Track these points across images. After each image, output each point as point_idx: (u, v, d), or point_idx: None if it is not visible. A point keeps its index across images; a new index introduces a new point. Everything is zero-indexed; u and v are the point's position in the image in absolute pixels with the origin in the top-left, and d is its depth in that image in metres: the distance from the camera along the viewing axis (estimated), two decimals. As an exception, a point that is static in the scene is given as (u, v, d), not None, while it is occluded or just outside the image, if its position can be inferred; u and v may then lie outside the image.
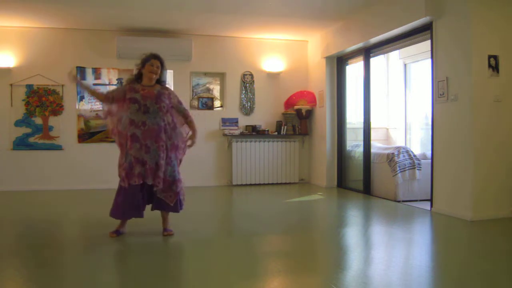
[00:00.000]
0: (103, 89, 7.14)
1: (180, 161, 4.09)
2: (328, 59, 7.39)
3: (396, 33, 5.73)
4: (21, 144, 6.91)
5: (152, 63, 3.96)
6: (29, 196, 6.44)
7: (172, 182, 3.90)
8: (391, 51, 6.88)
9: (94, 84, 7.14)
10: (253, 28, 7.16)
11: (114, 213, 3.95)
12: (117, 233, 3.94)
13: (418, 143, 7.82)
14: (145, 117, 3.83)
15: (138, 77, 3.99)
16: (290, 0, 5.80)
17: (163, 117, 3.89)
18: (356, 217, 5.24)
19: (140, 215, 3.94)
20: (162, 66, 4.06)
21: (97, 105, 7.15)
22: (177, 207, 3.97)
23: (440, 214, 4.93)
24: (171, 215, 4.09)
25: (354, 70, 7.48)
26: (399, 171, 5.95)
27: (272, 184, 7.71)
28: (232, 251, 3.66)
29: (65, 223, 4.86)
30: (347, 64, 7.32)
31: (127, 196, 3.87)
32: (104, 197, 6.45)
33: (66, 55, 7.05)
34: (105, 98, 3.97)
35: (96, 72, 7.16)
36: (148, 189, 3.93)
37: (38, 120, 6.96)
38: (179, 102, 4.07)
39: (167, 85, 4.16)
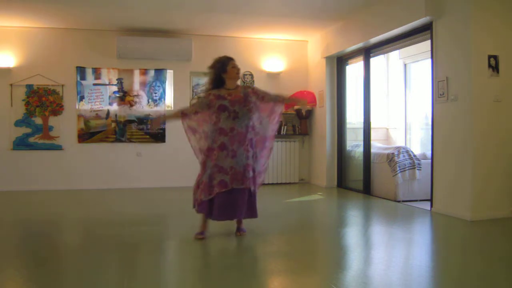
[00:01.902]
0: (104, 90, 7.17)
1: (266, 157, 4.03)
2: (328, 59, 7.39)
3: (396, 33, 5.73)
4: (21, 144, 6.91)
5: (234, 65, 3.87)
6: (29, 196, 6.44)
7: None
8: (391, 51, 6.88)
9: (94, 84, 7.15)
10: (253, 28, 7.16)
11: (199, 208, 3.90)
12: (202, 234, 3.87)
13: (418, 143, 7.82)
14: (234, 123, 3.77)
15: (217, 83, 3.88)
16: (290, 0, 5.80)
17: (251, 117, 3.84)
18: (356, 217, 5.24)
19: (229, 218, 3.89)
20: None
21: (97, 105, 7.16)
22: (253, 212, 3.95)
23: (440, 214, 4.93)
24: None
25: (354, 70, 7.48)
26: (399, 171, 5.95)
27: (272, 184, 7.71)
28: (232, 251, 3.66)
29: (65, 223, 4.86)
30: (347, 64, 7.32)
31: (219, 199, 3.77)
32: (104, 197, 6.47)
33: (66, 55, 7.05)
34: (181, 115, 3.93)
35: (96, 72, 7.16)
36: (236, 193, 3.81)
37: (38, 120, 6.96)
38: (264, 92, 3.96)
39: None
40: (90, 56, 7.14)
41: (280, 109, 4.03)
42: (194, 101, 4.07)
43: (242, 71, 7.71)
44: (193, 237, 3.83)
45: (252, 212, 3.92)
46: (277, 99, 3.98)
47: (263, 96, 3.91)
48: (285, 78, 7.88)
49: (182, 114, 3.92)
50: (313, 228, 4.71)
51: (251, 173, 3.81)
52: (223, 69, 3.83)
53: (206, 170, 3.81)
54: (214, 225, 4.51)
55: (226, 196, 3.75)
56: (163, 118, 4.12)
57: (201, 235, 3.84)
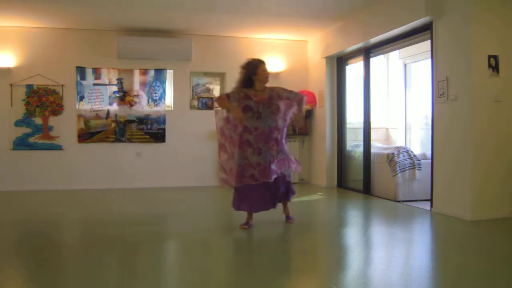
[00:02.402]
0: (104, 90, 7.17)
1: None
2: (328, 59, 7.38)
3: (396, 33, 5.73)
4: (21, 144, 6.91)
5: (264, 69, 4.16)
6: (29, 196, 6.44)
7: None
8: (391, 51, 6.87)
9: (94, 84, 7.15)
10: (253, 28, 7.16)
11: (233, 205, 4.25)
12: (247, 225, 4.17)
13: (418, 143, 7.82)
14: (258, 122, 4.09)
15: (247, 83, 4.17)
16: (290, 0, 5.80)
17: (274, 118, 4.14)
18: (356, 217, 5.24)
19: (262, 209, 4.21)
20: None
21: (97, 105, 7.16)
22: (288, 195, 4.37)
23: (440, 214, 4.93)
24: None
25: (354, 70, 7.47)
26: (399, 171, 5.95)
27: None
28: (232, 251, 3.66)
29: (65, 223, 4.86)
30: (347, 64, 7.31)
31: (242, 192, 4.12)
32: (104, 197, 6.47)
33: (66, 55, 7.05)
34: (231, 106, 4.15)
35: (96, 72, 7.16)
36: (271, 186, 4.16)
37: (38, 120, 6.96)
38: (289, 92, 4.25)
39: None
40: (90, 56, 7.14)
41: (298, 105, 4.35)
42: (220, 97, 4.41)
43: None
44: (239, 227, 4.17)
45: (287, 196, 4.36)
46: (295, 99, 4.29)
47: (287, 97, 4.22)
48: (285, 78, 7.87)
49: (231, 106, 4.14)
50: (313, 228, 4.70)
51: (277, 167, 4.13)
52: (253, 71, 4.12)
53: (234, 158, 4.12)
54: (214, 225, 4.51)
55: (259, 189, 4.08)
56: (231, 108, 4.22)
57: (246, 226, 4.17)
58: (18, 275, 2.96)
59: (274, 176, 4.09)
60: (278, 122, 4.18)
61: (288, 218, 4.47)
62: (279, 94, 4.19)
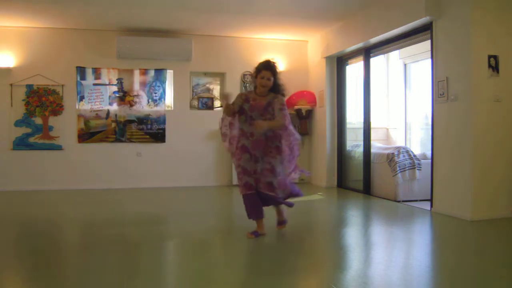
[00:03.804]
0: (104, 90, 7.17)
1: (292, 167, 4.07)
2: (328, 59, 7.39)
3: (396, 33, 5.73)
4: (21, 144, 6.91)
5: (263, 75, 3.84)
6: (29, 196, 6.44)
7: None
8: (391, 51, 6.87)
9: (94, 84, 7.15)
10: (253, 28, 7.16)
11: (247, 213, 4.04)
12: (255, 234, 3.92)
13: (418, 143, 7.82)
14: (251, 128, 3.84)
15: (255, 86, 3.97)
16: (290, 0, 5.80)
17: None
18: (356, 217, 5.24)
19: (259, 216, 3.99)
20: (274, 75, 3.89)
21: (97, 105, 7.16)
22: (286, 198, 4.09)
23: (440, 214, 4.93)
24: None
25: (354, 70, 7.48)
26: (399, 171, 5.95)
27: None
28: (232, 251, 3.66)
29: (65, 223, 4.85)
30: (347, 64, 7.32)
31: (246, 200, 3.93)
32: (104, 197, 6.47)
33: (66, 55, 7.05)
34: (231, 113, 3.92)
35: (96, 72, 7.16)
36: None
37: (38, 120, 6.96)
38: (280, 108, 3.84)
39: (281, 91, 3.97)
40: (90, 56, 7.14)
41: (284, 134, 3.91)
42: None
43: (242, 71, 7.78)
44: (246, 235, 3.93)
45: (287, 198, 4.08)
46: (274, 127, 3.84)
47: (275, 110, 3.84)
48: (285, 78, 7.74)
49: (232, 112, 3.91)
50: (313, 228, 4.71)
51: (275, 180, 3.86)
52: (255, 75, 3.91)
53: (237, 166, 3.94)
54: (214, 225, 4.51)
55: (254, 196, 3.88)
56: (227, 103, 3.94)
57: (252, 235, 3.91)
58: (18, 275, 2.96)
59: (275, 191, 3.86)
60: (273, 134, 3.86)
61: (280, 223, 4.21)
62: (276, 103, 3.85)
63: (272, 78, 3.86)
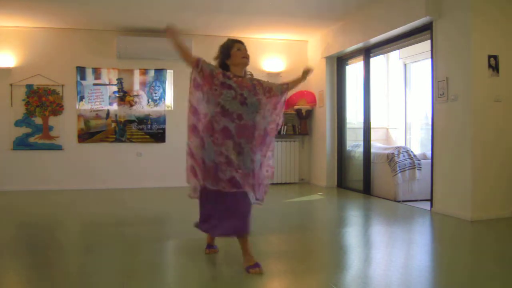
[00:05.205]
0: (104, 90, 7.17)
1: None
2: (328, 59, 7.39)
3: (396, 33, 5.73)
4: (21, 144, 6.90)
5: (239, 47, 3.17)
6: (29, 196, 6.44)
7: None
8: (391, 51, 6.88)
9: (94, 84, 7.15)
10: (253, 28, 7.16)
11: (199, 224, 3.37)
12: (212, 247, 3.43)
13: (418, 143, 7.83)
14: (242, 109, 3.04)
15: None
16: (290, 0, 5.80)
17: (260, 112, 3.14)
18: (356, 217, 5.24)
19: (229, 231, 3.15)
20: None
21: (97, 105, 7.16)
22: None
23: (440, 214, 4.93)
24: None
25: (354, 70, 7.48)
26: (399, 171, 5.95)
27: (272, 184, 7.69)
28: (232, 251, 3.66)
29: (65, 223, 4.85)
30: (347, 64, 7.32)
31: (208, 203, 3.14)
32: (104, 197, 6.47)
33: (66, 55, 7.05)
34: (195, 62, 3.11)
35: (96, 72, 7.16)
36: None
37: (38, 120, 6.96)
38: (270, 83, 3.28)
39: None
40: (90, 56, 7.14)
41: (285, 98, 3.36)
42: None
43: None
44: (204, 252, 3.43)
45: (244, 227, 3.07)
46: (283, 88, 3.30)
47: (270, 88, 3.22)
48: (285, 78, 7.83)
49: (195, 62, 3.11)
50: (313, 228, 4.70)
51: (254, 180, 3.12)
52: (226, 54, 3.17)
53: (204, 148, 3.04)
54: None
55: (228, 202, 3.02)
56: (178, 39, 3.26)
57: (210, 249, 3.37)
58: (18, 275, 2.96)
59: (254, 190, 3.11)
60: (261, 119, 3.15)
61: (252, 266, 2.97)
62: (260, 82, 3.22)
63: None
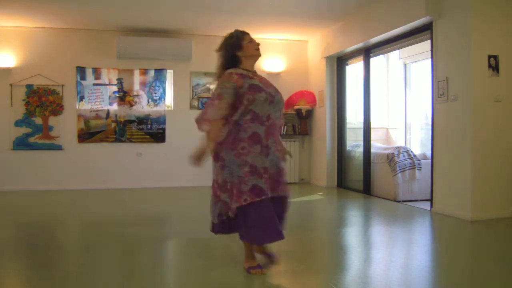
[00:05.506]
0: (104, 90, 7.16)
1: None
2: (328, 59, 7.38)
3: (396, 33, 5.73)
4: (21, 144, 6.90)
5: (250, 39, 2.94)
6: (29, 196, 6.44)
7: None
8: (391, 51, 6.88)
9: (94, 84, 7.15)
10: (253, 28, 7.13)
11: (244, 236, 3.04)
12: (259, 267, 2.98)
13: (418, 143, 7.82)
14: (270, 109, 2.83)
15: (231, 65, 2.94)
16: (290, 0, 5.79)
17: (282, 109, 2.96)
18: (356, 217, 5.24)
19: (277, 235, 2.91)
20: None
21: (97, 105, 7.16)
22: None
23: (440, 214, 4.93)
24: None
25: (354, 70, 7.48)
26: (399, 171, 5.95)
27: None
28: (232, 251, 3.66)
29: (66, 223, 4.85)
30: (347, 64, 7.32)
31: (255, 211, 2.83)
32: (104, 197, 6.47)
33: (66, 55, 7.05)
34: (223, 116, 2.81)
35: (96, 72, 7.16)
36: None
37: (38, 120, 6.96)
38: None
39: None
40: (90, 56, 7.14)
41: None
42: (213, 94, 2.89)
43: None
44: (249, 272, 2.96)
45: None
46: None
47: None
48: (285, 78, 7.87)
49: (222, 116, 2.81)
50: (313, 228, 4.70)
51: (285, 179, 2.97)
52: (238, 45, 2.92)
53: (224, 168, 2.85)
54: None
55: (263, 208, 2.78)
56: (204, 151, 2.93)
57: (257, 269, 2.93)
58: (18, 276, 2.96)
59: (282, 190, 2.92)
60: (280, 116, 2.96)
61: (255, 267, 2.94)
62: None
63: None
